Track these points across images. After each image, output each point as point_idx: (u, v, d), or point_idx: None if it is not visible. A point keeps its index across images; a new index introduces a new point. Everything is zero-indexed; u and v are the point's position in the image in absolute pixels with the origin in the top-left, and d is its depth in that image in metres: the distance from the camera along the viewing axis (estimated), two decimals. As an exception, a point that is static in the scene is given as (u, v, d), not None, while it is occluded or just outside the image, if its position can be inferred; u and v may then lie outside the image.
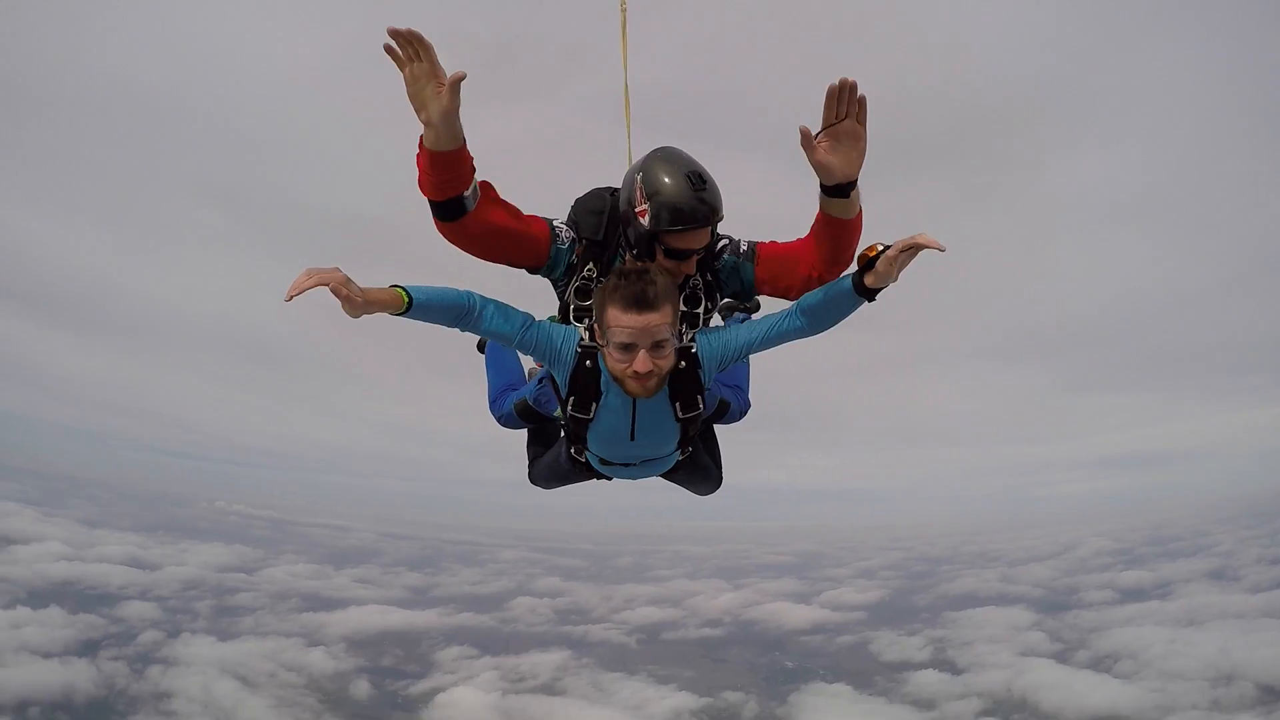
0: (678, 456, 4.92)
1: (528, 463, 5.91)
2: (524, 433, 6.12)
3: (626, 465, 4.91)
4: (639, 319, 3.89)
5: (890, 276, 3.91)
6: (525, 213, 4.44)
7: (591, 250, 4.52)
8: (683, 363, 4.29)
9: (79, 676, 60.67)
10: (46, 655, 62.40)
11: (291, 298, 3.41)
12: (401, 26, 3.54)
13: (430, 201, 4.02)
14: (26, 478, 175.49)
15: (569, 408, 4.49)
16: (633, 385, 4.12)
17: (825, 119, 3.81)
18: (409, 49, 3.60)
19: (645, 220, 4.19)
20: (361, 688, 70.30)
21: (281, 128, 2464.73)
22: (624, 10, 5.16)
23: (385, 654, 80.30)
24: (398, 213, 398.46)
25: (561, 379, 4.46)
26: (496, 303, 4.30)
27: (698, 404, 4.49)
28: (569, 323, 4.63)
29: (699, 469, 5.39)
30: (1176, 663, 67.82)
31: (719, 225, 4.36)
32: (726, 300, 5.06)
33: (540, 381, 5.44)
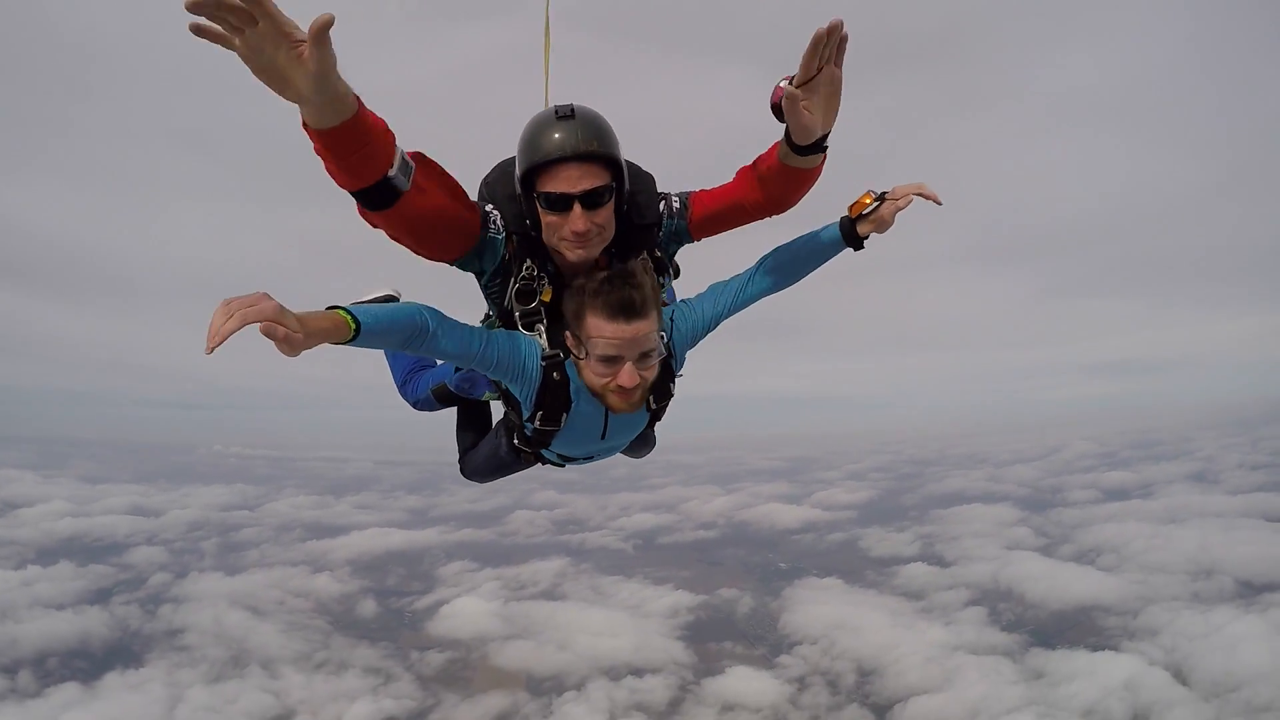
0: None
1: (459, 454, 5.43)
2: (448, 413, 5.61)
3: (590, 457, 4.64)
4: (627, 329, 3.47)
5: (888, 226, 3.81)
6: (462, 195, 3.67)
7: (525, 245, 3.84)
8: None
9: (94, 624, 62.59)
10: (60, 607, 64.19)
11: (212, 349, 2.59)
12: None
13: (352, 194, 3.12)
14: (25, 445, 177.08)
15: (536, 422, 4.04)
16: (615, 400, 3.69)
17: (805, 70, 3.18)
18: (232, 15, 2.41)
19: (519, 173, 3.65)
20: (368, 607, 72.27)
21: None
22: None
23: (389, 574, 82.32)
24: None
25: (525, 394, 3.98)
26: (450, 320, 3.73)
27: (670, 392, 4.17)
28: (512, 329, 3.98)
29: (642, 438, 4.91)
30: (1157, 556, 69.93)
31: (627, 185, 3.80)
32: None
33: (458, 369, 5.00)
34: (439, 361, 5.49)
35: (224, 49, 2.50)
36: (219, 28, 2.44)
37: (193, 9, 2.35)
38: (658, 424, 4.70)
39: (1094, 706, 47.49)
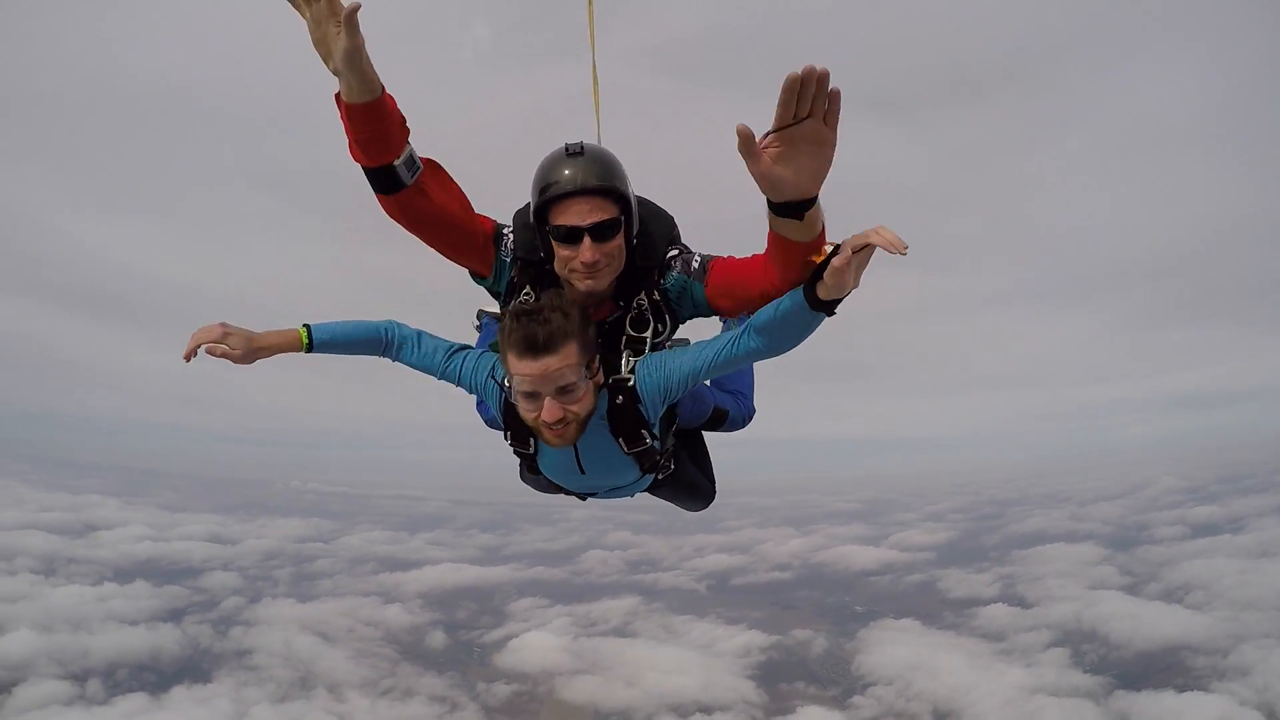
0: (652, 478, 4.45)
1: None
2: None
3: (594, 493, 4.55)
4: (535, 365, 3.48)
5: (846, 287, 3.24)
6: (478, 213, 3.99)
7: (528, 270, 4.03)
8: (620, 397, 3.86)
9: (165, 640, 63.19)
10: (133, 623, 64.80)
11: (188, 359, 3.64)
12: None
13: (363, 169, 3.50)
14: (109, 472, 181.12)
15: (509, 442, 4.17)
16: (547, 435, 3.69)
17: (780, 118, 2.91)
18: None
19: (532, 205, 3.80)
20: (437, 638, 72.13)
21: (323, 106, 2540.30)
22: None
23: (460, 607, 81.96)
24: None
25: (494, 414, 4.13)
26: (422, 335, 4.09)
27: (643, 439, 4.01)
28: None
29: (684, 486, 4.88)
30: (1248, 592, 67.12)
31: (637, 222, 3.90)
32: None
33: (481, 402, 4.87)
34: None
35: (298, 17, 3.13)
36: None
37: None
38: (709, 473, 5.07)
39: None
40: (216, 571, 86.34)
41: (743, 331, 3.72)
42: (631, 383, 3.86)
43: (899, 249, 3.03)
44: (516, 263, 4.02)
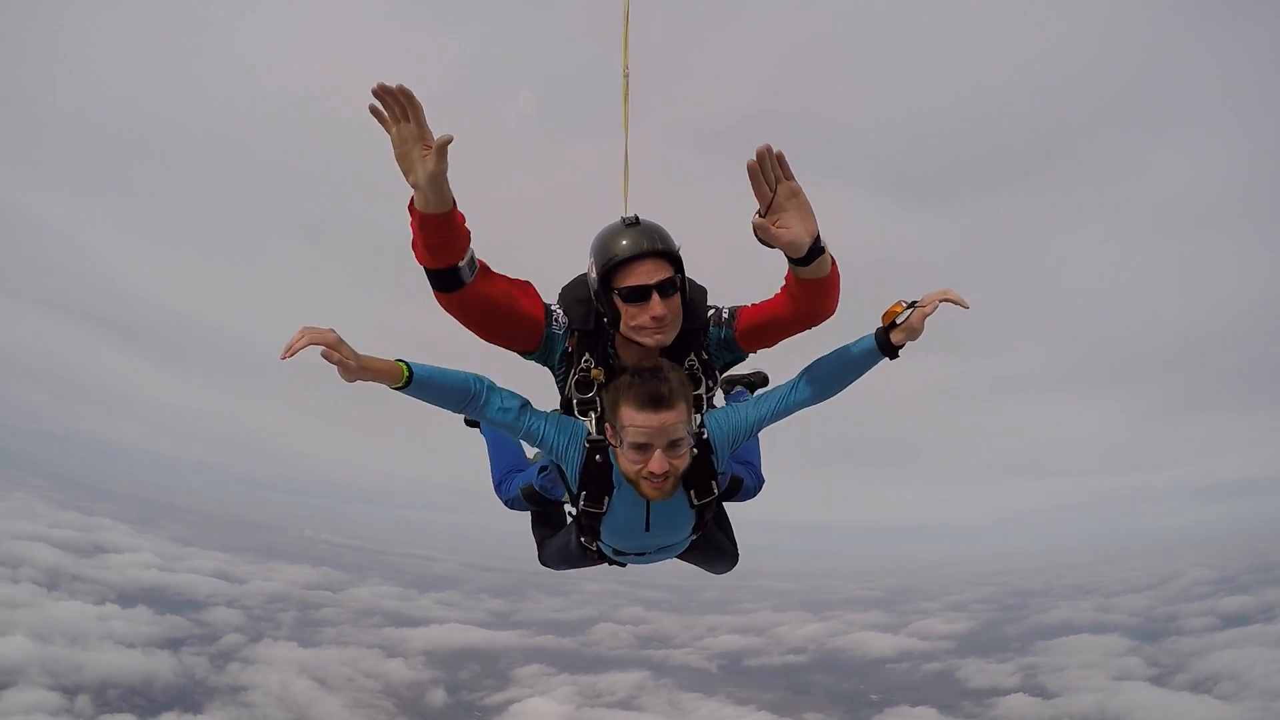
0: (690, 539, 4.81)
1: (536, 546, 5.75)
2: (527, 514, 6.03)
3: (641, 554, 4.86)
4: (655, 418, 3.78)
5: (918, 334, 3.92)
6: (524, 296, 4.33)
7: (585, 341, 4.41)
8: (694, 450, 4.09)
9: (160, 666, 62.35)
10: (130, 645, 64.06)
11: (286, 357, 3.53)
12: (391, 84, 3.37)
13: (425, 270, 3.84)
14: (123, 499, 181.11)
15: (581, 502, 4.41)
16: (648, 488, 3.98)
17: (761, 196, 3.61)
18: (396, 108, 3.40)
19: (594, 275, 4.18)
20: (438, 696, 71.06)
21: (370, 161, 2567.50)
22: (626, 77, 4.98)
23: (463, 668, 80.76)
24: (485, 244, 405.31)
25: (571, 473, 4.36)
26: (505, 391, 4.27)
27: (712, 489, 4.39)
28: (572, 415, 4.49)
29: (713, 549, 5.24)
30: (1279, 682, 65.92)
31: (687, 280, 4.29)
32: (726, 375, 5.18)
33: (543, 469, 5.30)
34: (528, 459, 5.99)
35: (382, 130, 3.44)
36: (387, 113, 3.39)
37: (380, 93, 3.34)
38: (732, 538, 5.36)
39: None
40: (220, 607, 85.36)
41: (799, 381, 4.30)
42: (705, 435, 4.25)
43: (966, 305, 3.83)
44: (572, 334, 4.38)
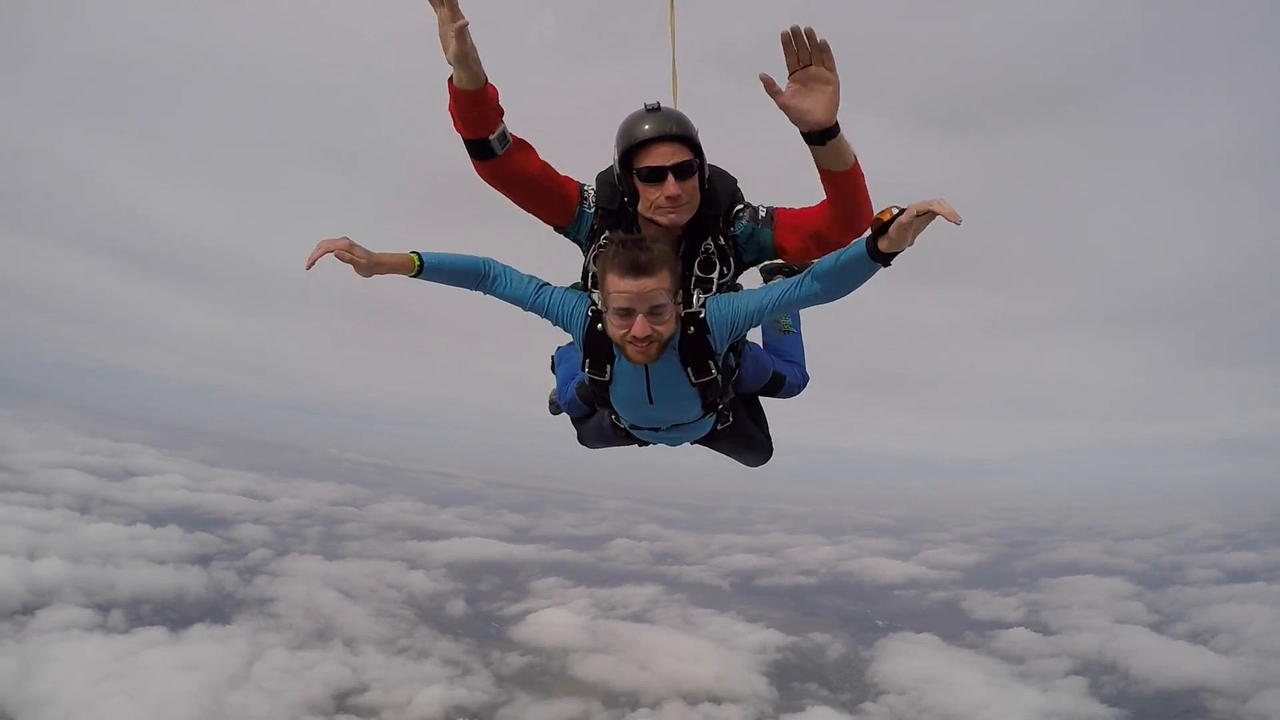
0: (711, 423, 4.97)
1: (576, 432, 5.98)
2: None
3: (656, 430, 5.01)
4: (634, 284, 3.98)
5: (904, 242, 3.70)
6: (561, 175, 4.59)
7: (608, 219, 4.60)
8: (691, 328, 4.34)
9: (191, 581, 64.54)
10: (161, 562, 66.01)
11: (309, 266, 3.95)
12: None
13: (463, 139, 4.22)
14: (151, 426, 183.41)
15: (585, 369, 4.64)
16: (632, 351, 4.17)
17: (789, 65, 3.77)
18: None
19: (616, 157, 4.38)
20: (457, 606, 72.88)
21: (396, 89, 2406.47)
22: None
23: (483, 580, 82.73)
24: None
25: (576, 342, 4.58)
26: (511, 269, 4.53)
27: (709, 369, 4.50)
28: (588, 288, 4.73)
29: (743, 439, 5.41)
30: (1277, 640, 66.45)
31: (706, 166, 4.45)
32: (767, 264, 5.33)
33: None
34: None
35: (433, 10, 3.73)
36: None
37: None
38: (766, 431, 5.59)
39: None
40: (247, 524, 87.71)
41: (804, 277, 4.17)
42: (702, 315, 4.34)
43: (955, 219, 3.48)
44: (598, 213, 4.60)
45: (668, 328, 4.11)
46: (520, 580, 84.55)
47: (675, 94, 5.13)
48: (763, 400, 5.71)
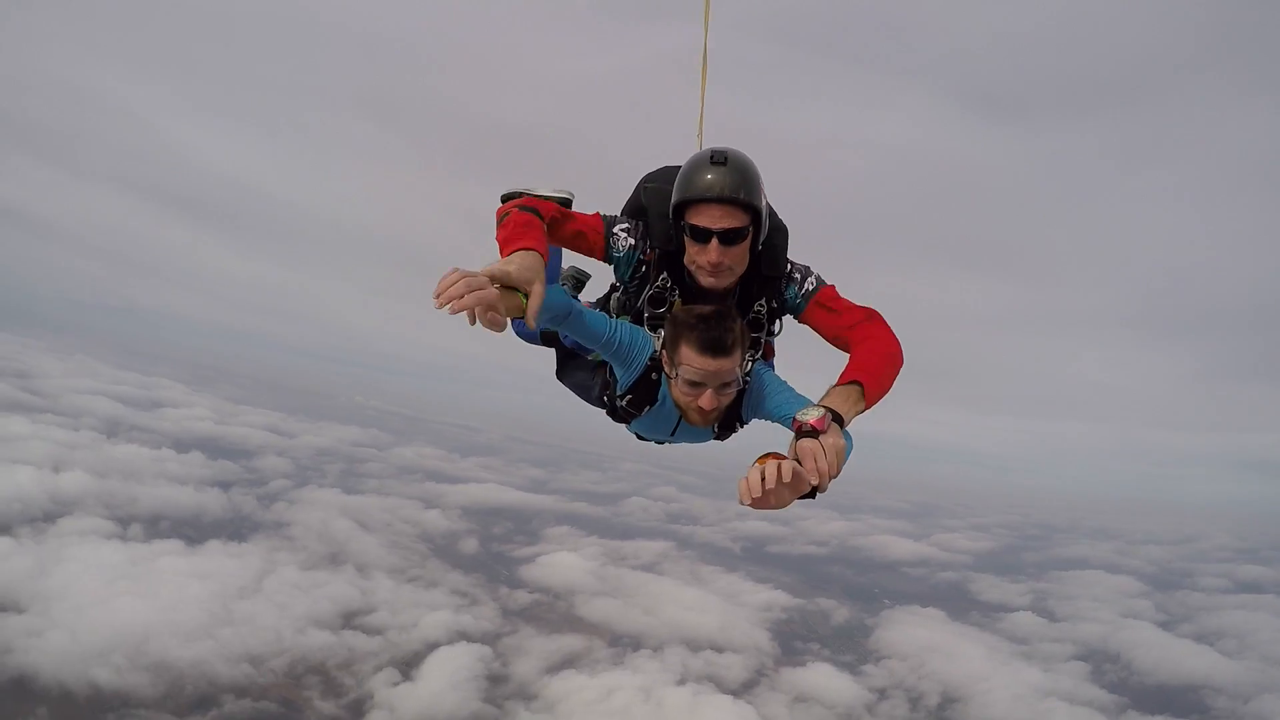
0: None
1: (556, 361, 5.54)
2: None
3: (658, 443, 5.11)
4: (713, 363, 3.90)
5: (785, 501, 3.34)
6: (582, 216, 4.46)
7: (664, 260, 4.43)
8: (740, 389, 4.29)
9: (210, 502, 66.13)
10: (183, 484, 67.44)
11: (441, 307, 2.93)
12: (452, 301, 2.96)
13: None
14: (180, 364, 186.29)
15: (623, 402, 4.53)
16: (694, 417, 4.20)
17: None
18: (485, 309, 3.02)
19: (673, 202, 4.21)
20: (470, 545, 74.05)
21: (437, 39, 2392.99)
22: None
23: (497, 523, 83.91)
24: (552, 121, 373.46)
25: (625, 379, 4.47)
26: (583, 306, 4.35)
27: (735, 428, 4.55)
28: (640, 324, 4.57)
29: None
30: None
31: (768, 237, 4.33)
32: None
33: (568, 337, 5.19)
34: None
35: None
36: (487, 319, 3.06)
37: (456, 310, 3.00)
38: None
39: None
40: (270, 456, 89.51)
41: (792, 405, 4.12)
42: (747, 383, 4.30)
43: (811, 485, 3.28)
44: (651, 250, 4.45)
45: (729, 398, 4.11)
46: (534, 527, 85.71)
47: (700, 135, 5.25)
48: None
